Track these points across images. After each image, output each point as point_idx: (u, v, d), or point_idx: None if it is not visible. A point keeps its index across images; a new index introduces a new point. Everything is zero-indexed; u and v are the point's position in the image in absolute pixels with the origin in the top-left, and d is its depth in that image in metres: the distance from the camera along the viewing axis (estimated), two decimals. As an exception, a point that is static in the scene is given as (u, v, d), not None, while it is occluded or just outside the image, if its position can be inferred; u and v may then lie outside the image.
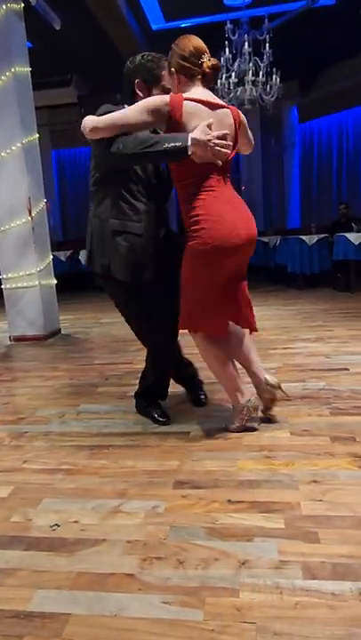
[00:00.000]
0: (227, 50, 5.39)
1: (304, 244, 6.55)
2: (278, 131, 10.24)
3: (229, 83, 5.46)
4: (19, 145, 4.19)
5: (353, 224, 6.27)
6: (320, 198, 10.25)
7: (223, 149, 1.85)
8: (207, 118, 1.86)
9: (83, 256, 8.05)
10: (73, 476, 1.87)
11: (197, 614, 1.15)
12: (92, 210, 2.11)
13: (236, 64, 5.44)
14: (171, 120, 1.86)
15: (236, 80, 5.43)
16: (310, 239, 6.55)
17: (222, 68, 5.55)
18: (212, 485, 1.72)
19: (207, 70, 1.95)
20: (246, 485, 1.70)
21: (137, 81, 2.07)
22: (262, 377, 2.17)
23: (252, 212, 2.11)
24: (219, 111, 1.95)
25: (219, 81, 5.63)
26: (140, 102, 1.89)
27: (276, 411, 2.35)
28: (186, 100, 1.87)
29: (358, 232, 5.97)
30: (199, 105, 1.90)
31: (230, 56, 5.43)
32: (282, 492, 1.64)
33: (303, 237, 6.57)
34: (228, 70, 5.51)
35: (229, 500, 1.61)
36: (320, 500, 1.57)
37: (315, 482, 1.69)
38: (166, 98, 1.89)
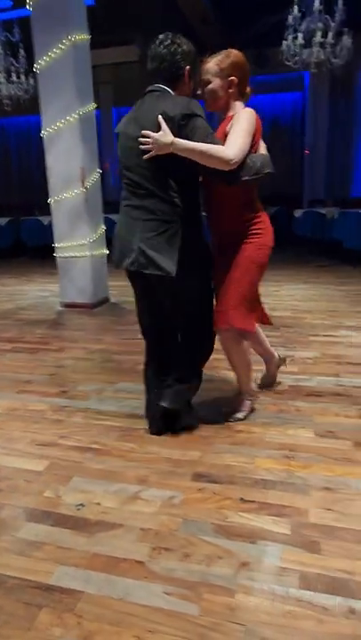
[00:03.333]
0: (295, 7, 5.02)
1: (364, 219, 6.23)
2: (349, 91, 9.53)
3: (295, 44, 5.12)
4: (75, 116, 4.23)
5: None
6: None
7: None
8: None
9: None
10: (102, 456, 2.02)
11: (193, 609, 1.26)
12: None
13: (304, 23, 5.07)
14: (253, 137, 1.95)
15: (302, 42, 5.08)
16: (371, 214, 6.22)
17: (290, 27, 5.20)
18: (228, 481, 1.80)
19: (248, 94, 2.08)
20: (261, 485, 1.77)
21: (188, 68, 1.97)
22: (276, 354, 2.61)
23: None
24: None
25: (284, 42, 5.29)
26: (243, 126, 1.91)
27: (305, 407, 2.39)
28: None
29: None
30: None
31: (299, 14, 5.06)
32: (293, 497, 1.70)
33: (364, 212, 6.25)
34: (295, 30, 5.15)
35: (242, 499, 1.70)
36: (329, 510, 1.62)
37: (327, 489, 1.73)
38: (253, 117, 1.95)
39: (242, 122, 1.92)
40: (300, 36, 5.06)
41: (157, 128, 1.84)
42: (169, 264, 1.91)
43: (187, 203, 1.95)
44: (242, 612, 1.25)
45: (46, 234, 6.66)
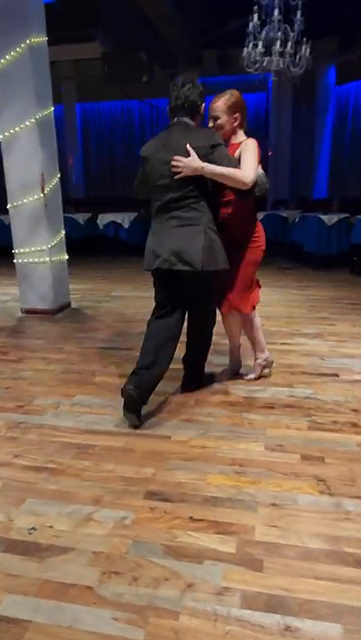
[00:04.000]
0: (255, 16, 5.09)
1: (323, 224, 6.41)
2: (311, 93, 9.73)
3: (256, 52, 5.19)
4: (32, 120, 4.17)
5: (376, 206, 6.09)
6: (351, 169, 9.88)
7: None
8: None
9: (100, 220, 8.06)
10: (57, 476, 2.04)
11: (139, 634, 1.31)
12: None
13: (264, 32, 5.15)
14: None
15: (263, 50, 5.16)
16: (330, 219, 6.41)
17: (250, 35, 5.27)
18: (179, 499, 1.86)
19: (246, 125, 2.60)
20: (210, 503, 1.84)
21: (202, 105, 2.48)
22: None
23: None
24: None
25: (245, 49, 5.36)
26: (252, 152, 2.41)
27: (258, 420, 2.48)
28: None
29: (380, 215, 5.81)
30: None
31: (259, 23, 5.13)
32: (241, 514, 1.77)
33: (322, 217, 6.44)
34: (255, 38, 5.23)
35: (191, 518, 1.76)
36: (274, 526, 1.70)
37: (274, 505, 1.82)
38: (256, 145, 2.46)
39: (250, 149, 2.42)
40: (260, 43, 5.14)
41: (187, 154, 2.31)
42: (196, 261, 2.37)
43: (208, 212, 2.44)
44: (185, 635, 1.31)
45: (8, 234, 6.53)
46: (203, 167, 2.31)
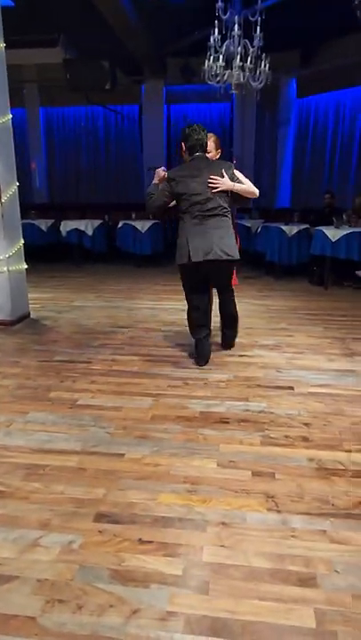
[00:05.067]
0: (216, 30, 5.18)
1: (284, 234, 6.56)
2: (274, 104, 9.95)
3: (217, 65, 5.28)
4: (-11, 128, 4.09)
5: (334, 218, 6.25)
6: (312, 179, 10.14)
7: None
8: None
9: (63, 227, 7.96)
10: (5, 499, 2.00)
11: (80, 665, 1.30)
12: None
13: (224, 45, 5.24)
14: None
15: (223, 64, 5.25)
16: (290, 230, 6.55)
17: (211, 48, 5.35)
18: (129, 520, 1.86)
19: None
20: (160, 523, 1.85)
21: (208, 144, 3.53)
22: None
23: None
24: None
25: (206, 62, 5.44)
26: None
27: (212, 435, 2.50)
28: None
29: (337, 227, 5.97)
30: None
31: (219, 37, 5.22)
32: (190, 534, 1.78)
33: (283, 227, 6.58)
34: (216, 51, 5.31)
35: (140, 540, 1.76)
36: (222, 546, 1.72)
37: (223, 524, 1.84)
38: None
39: (240, 174, 3.48)
40: (220, 57, 5.23)
41: (221, 175, 3.32)
42: (235, 252, 3.40)
43: (230, 218, 3.47)
44: (127, 664, 1.30)
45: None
46: (234, 185, 3.36)
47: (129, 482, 2.11)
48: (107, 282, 6.91)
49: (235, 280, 3.81)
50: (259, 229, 7.23)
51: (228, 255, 3.35)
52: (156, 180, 3.69)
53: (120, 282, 6.89)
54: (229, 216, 3.45)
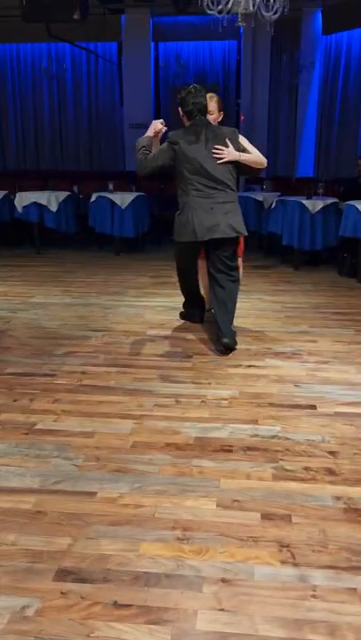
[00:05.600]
0: None
1: (305, 210, 6.60)
2: (294, 43, 10.04)
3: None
4: None
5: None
6: (342, 141, 10.20)
7: None
8: None
9: (19, 201, 7.96)
10: None
11: None
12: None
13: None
14: None
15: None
16: (314, 205, 6.60)
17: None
18: (102, 579, 1.86)
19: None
20: (142, 581, 1.85)
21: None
22: None
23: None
24: None
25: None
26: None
27: (211, 467, 2.52)
28: None
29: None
30: None
31: None
32: (180, 595, 1.79)
33: (305, 202, 6.62)
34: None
35: (115, 603, 1.76)
36: (221, 610, 1.73)
37: (224, 581, 1.85)
38: None
39: (245, 140, 4.00)
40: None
41: (225, 144, 3.79)
42: (243, 228, 3.93)
43: (236, 189, 3.97)
44: None
45: None
46: (240, 155, 3.77)
47: (101, 528, 2.11)
48: (76, 272, 6.94)
49: (240, 251, 4.29)
50: (273, 205, 7.24)
51: (238, 232, 3.84)
52: (150, 133, 3.77)
53: (94, 272, 6.92)
54: (235, 189, 3.89)
